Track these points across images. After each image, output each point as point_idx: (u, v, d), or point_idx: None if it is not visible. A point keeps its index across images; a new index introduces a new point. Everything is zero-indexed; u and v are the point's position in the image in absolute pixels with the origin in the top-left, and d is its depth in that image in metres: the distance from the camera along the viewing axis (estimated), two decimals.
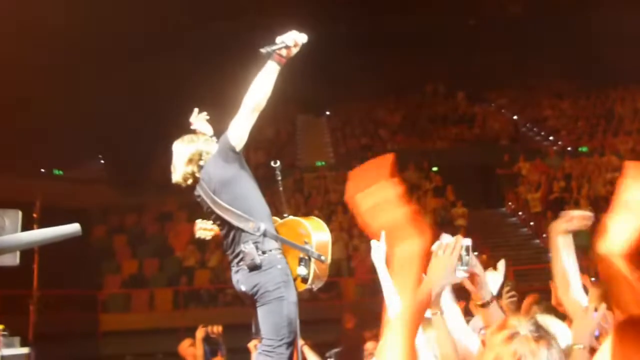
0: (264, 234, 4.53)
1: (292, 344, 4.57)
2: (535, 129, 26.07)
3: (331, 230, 4.91)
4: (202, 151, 4.83)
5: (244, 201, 4.66)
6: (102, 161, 22.58)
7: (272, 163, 5.19)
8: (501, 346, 2.34)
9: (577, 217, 3.82)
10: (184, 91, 18.88)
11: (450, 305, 3.67)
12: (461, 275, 2.83)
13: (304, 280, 4.63)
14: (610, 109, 26.39)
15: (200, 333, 8.59)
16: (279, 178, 5.21)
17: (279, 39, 4.52)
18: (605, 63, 24.59)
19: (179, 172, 4.91)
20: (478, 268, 2.89)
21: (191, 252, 17.25)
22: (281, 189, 5.20)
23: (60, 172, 20.30)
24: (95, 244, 17.44)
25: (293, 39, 4.51)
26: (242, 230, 4.61)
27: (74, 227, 3.09)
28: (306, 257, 4.63)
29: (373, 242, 4.10)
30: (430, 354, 3.88)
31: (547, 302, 5.13)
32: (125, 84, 18.14)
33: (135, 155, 20.01)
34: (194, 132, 5.17)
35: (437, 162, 21.82)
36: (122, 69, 18.28)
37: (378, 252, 4.10)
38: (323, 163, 23.24)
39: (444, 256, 2.76)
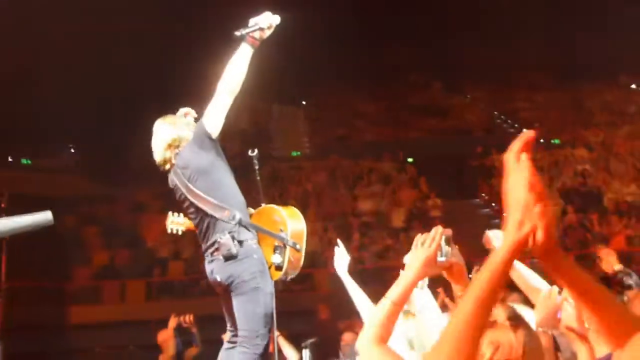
0: (239, 223, 4.46)
1: (267, 335, 4.53)
2: (509, 121, 26.37)
3: (306, 222, 4.87)
4: (182, 137, 4.71)
5: (219, 190, 4.60)
6: (73, 150, 22.29)
7: (249, 152, 5.13)
8: None
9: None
10: (156, 78, 18.69)
11: (427, 304, 3.73)
12: (441, 265, 2.79)
13: (278, 268, 4.59)
14: (581, 102, 26.74)
15: (172, 322, 8.66)
16: (257, 167, 5.17)
17: (252, 21, 4.50)
18: (577, 56, 24.90)
19: (157, 155, 4.81)
20: (458, 258, 2.84)
21: (164, 243, 17.08)
22: (258, 178, 5.17)
23: (29, 162, 20.01)
24: (65, 235, 17.17)
25: (267, 21, 4.49)
26: (217, 219, 4.54)
27: (46, 215, 3.00)
28: (281, 245, 4.60)
29: (336, 250, 4.31)
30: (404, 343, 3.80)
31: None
32: (95, 70, 17.87)
33: (107, 144, 19.78)
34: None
35: (413, 152, 21.94)
36: (93, 55, 18.02)
37: (340, 261, 4.29)
38: (299, 153, 23.20)
39: (423, 248, 2.70)
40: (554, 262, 1.73)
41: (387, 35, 23.87)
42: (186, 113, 4.99)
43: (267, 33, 4.55)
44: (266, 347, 4.54)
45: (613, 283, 3.96)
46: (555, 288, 3.12)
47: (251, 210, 4.87)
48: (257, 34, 4.51)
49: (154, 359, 13.36)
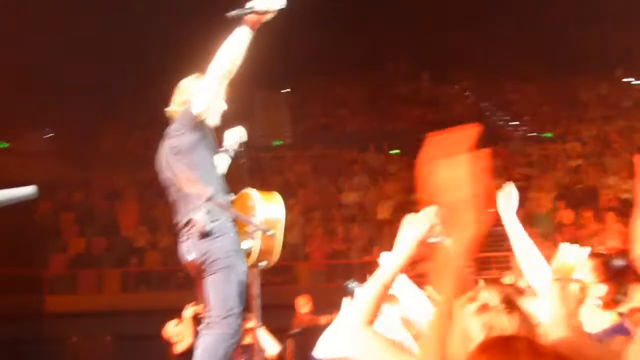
0: (210, 199, 4.49)
1: (241, 314, 4.56)
2: (499, 113, 26.41)
3: (287, 214, 4.91)
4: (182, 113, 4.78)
5: (196, 169, 4.65)
6: (49, 134, 22.29)
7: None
8: (471, 318, 2.38)
9: (509, 191, 3.93)
10: (134, 61, 18.74)
11: (406, 288, 3.91)
12: (432, 246, 2.72)
13: (248, 254, 4.68)
14: (575, 95, 26.91)
15: (189, 312, 8.69)
16: (242, 155, 5.32)
17: (248, 4, 4.41)
18: (571, 48, 25.02)
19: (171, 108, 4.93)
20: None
21: (141, 232, 17.26)
22: (243, 162, 5.32)
23: (6, 145, 20.07)
24: (40, 221, 17.30)
25: (265, 5, 4.39)
26: (190, 196, 4.61)
27: (30, 189, 2.97)
28: (251, 231, 4.69)
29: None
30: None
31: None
32: (72, 54, 17.94)
33: (84, 128, 19.83)
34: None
35: (399, 144, 21.85)
36: (68, 38, 18.03)
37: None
38: (281, 142, 23.25)
39: (414, 227, 2.69)
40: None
41: (373, 23, 23.84)
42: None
43: (268, 16, 4.45)
44: (239, 327, 4.53)
45: (630, 272, 3.96)
46: (577, 246, 3.24)
47: (232, 195, 4.93)
48: (253, 17, 4.40)
49: (130, 349, 13.71)
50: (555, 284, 3.06)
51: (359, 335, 2.55)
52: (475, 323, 2.34)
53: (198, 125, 4.66)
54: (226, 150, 5.23)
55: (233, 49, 4.43)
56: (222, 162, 5.19)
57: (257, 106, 25.07)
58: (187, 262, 4.71)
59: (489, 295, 2.44)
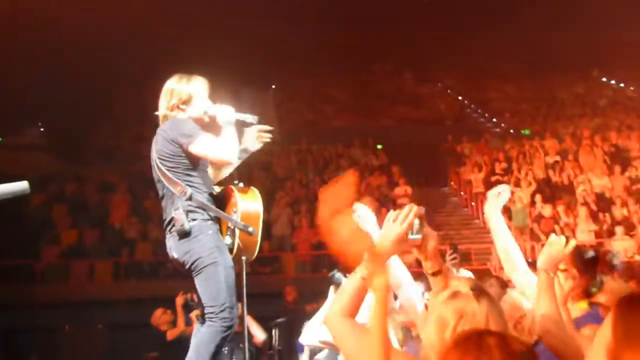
0: (190, 198, 4.50)
1: (235, 306, 4.55)
2: (479, 111, 26.56)
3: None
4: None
5: (179, 167, 4.63)
6: (42, 129, 22.21)
7: None
8: (443, 305, 2.44)
9: (500, 192, 3.88)
10: (124, 58, 18.67)
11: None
12: (412, 243, 2.81)
13: (230, 250, 4.62)
14: (552, 93, 27.07)
15: (180, 300, 8.57)
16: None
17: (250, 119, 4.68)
18: (549, 49, 25.15)
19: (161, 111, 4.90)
20: (431, 236, 2.88)
21: (133, 224, 17.24)
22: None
23: (0, 139, 19.91)
24: (33, 213, 17.23)
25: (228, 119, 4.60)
26: (173, 194, 4.59)
27: (22, 185, 2.99)
28: (232, 227, 4.64)
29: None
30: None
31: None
32: (64, 50, 17.85)
33: (76, 123, 19.75)
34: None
35: (382, 140, 22.01)
36: (63, 35, 17.96)
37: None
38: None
39: (395, 224, 2.70)
40: None
41: (359, 24, 23.85)
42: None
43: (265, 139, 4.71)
44: (234, 319, 4.54)
45: (602, 262, 3.99)
46: (563, 237, 3.22)
47: (217, 189, 4.90)
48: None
49: (122, 337, 13.69)
50: (542, 274, 3.08)
51: (339, 326, 2.57)
52: (448, 310, 2.40)
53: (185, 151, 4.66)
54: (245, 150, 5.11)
55: (229, 146, 4.62)
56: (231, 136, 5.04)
57: (245, 103, 25.04)
58: (173, 259, 4.72)
59: (459, 284, 2.51)
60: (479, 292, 2.49)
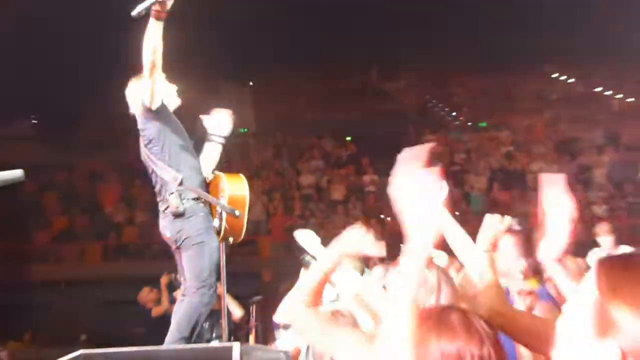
0: (181, 184, 4.56)
1: (214, 285, 4.61)
2: (440, 105, 26.59)
3: (251, 193, 4.91)
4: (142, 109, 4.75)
5: (167, 155, 4.68)
6: (34, 120, 22.04)
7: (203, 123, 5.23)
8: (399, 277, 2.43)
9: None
10: (114, 49, 18.46)
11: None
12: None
13: (217, 232, 4.65)
14: (508, 88, 27.21)
15: (164, 280, 8.69)
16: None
17: None
18: (505, 47, 25.24)
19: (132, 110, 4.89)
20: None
21: (121, 210, 17.23)
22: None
23: None
24: (26, 200, 17.15)
25: None
26: (167, 182, 4.66)
27: (16, 173, 2.95)
28: (219, 211, 4.64)
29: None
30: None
31: None
32: (59, 45, 17.65)
33: (66, 114, 19.60)
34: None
35: (351, 132, 22.05)
36: (51, 26, 17.68)
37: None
38: (245, 130, 23.22)
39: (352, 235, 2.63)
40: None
41: (328, 23, 23.71)
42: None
43: (169, 3, 4.23)
44: (213, 295, 4.62)
45: None
46: (498, 215, 3.17)
47: (209, 175, 4.94)
48: (157, 7, 4.20)
49: (110, 314, 13.74)
50: (485, 255, 3.03)
51: (304, 316, 2.54)
52: None
53: (156, 114, 4.66)
54: (213, 138, 5.13)
55: (150, 43, 4.34)
56: (213, 152, 5.12)
57: (224, 98, 24.92)
58: (166, 238, 4.79)
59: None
60: (430, 263, 2.58)
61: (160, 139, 4.69)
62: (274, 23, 21.94)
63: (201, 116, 5.15)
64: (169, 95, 4.88)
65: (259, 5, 20.11)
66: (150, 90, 4.52)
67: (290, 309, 2.64)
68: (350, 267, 3.92)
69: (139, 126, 4.78)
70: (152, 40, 4.33)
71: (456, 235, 3.60)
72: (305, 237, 3.89)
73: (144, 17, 4.26)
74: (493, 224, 3.14)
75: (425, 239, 1.83)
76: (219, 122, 5.18)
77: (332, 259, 2.61)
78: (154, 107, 4.62)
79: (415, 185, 1.83)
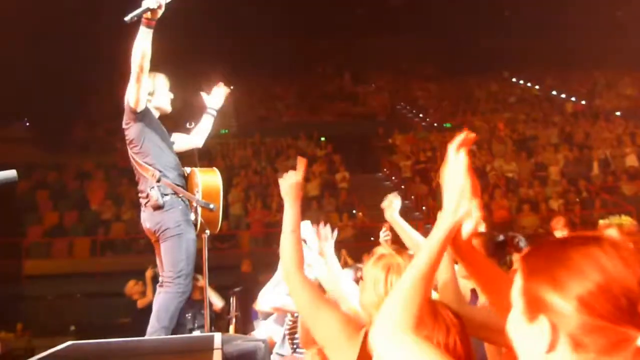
0: (159, 180, 4.51)
1: (189, 275, 4.55)
2: (408, 107, 26.60)
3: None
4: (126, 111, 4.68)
5: (147, 155, 4.64)
6: (27, 123, 21.73)
7: (187, 124, 5.19)
8: (373, 267, 2.47)
9: (391, 201, 3.82)
10: (104, 57, 18.27)
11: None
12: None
13: (194, 225, 4.63)
14: (470, 92, 27.42)
15: (149, 273, 8.48)
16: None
17: (143, 3, 4.18)
18: (466, 53, 25.40)
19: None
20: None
21: (108, 207, 17.06)
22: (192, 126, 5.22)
23: None
24: (19, 198, 16.93)
25: (156, 1, 4.17)
26: (147, 178, 4.63)
27: (10, 173, 2.89)
28: (195, 205, 4.63)
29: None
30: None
31: None
32: (50, 53, 17.42)
33: (57, 118, 19.37)
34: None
35: (325, 133, 21.99)
36: (46, 33, 17.46)
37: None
38: (226, 131, 23.11)
39: (289, 177, 2.73)
40: (466, 250, 1.73)
41: (304, 31, 23.71)
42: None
43: (160, 12, 4.23)
44: (188, 285, 4.56)
45: (510, 245, 3.96)
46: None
47: (187, 170, 4.90)
48: (148, 15, 4.19)
49: (97, 305, 13.61)
50: (444, 256, 2.91)
51: (298, 280, 2.49)
52: (377, 268, 2.45)
53: (139, 115, 4.60)
54: (209, 111, 5.28)
55: (139, 49, 4.30)
56: (206, 123, 5.27)
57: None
58: (146, 229, 4.75)
59: (382, 249, 2.58)
60: (398, 250, 2.55)
61: (141, 139, 4.65)
62: (254, 31, 21.87)
63: (201, 93, 5.32)
64: (163, 101, 4.86)
65: (239, 14, 20.05)
66: (136, 93, 4.47)
67: (286, 273, 2.56)
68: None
69: (123, 125, 4.72)
70: (142, 46, 4.29)
71: (411, 236, 3.72)
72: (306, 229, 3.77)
73: (135, 23, 4.24)
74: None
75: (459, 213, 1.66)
76: (216, 97, 5.35)
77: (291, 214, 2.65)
78: (138, 110, 4.57)
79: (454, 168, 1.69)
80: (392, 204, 3.81)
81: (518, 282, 1.36)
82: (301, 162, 2.81)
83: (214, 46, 18.52)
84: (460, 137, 1.69)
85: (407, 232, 3.74)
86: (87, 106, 20.99)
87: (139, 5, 4.19)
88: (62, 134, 19.45)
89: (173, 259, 4.56)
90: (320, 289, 3.02)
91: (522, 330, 1.34)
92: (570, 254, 1.29)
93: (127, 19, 4.14)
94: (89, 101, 20.61)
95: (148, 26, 4.25)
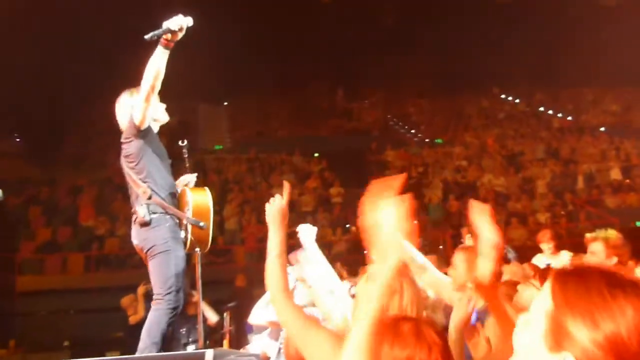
0: (150, 198, 4.48)
1: (179, 291, 4.51)
2: (400, 123, 26.65)
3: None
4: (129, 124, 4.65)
5: (142, 172, 4.59)
6: (18, 139, 21.46)
7: (179, 142, 5.13)
8: (365, 287, 2.39)
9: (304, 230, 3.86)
10: (98, 75, 18.14)
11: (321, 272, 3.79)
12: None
13: (184, 243, 4.62)
14: (461, 108, 27.45)
15: (141, 289, 8.44)
16: (186, 156, 5.17)
17: (164, 24, 4.19)
18: (458, 70, 25.49)
19: (123, 124, 4.73)
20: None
21: (102, 222, 16.80)
22: (187, 165, 5.17)
23: None
24: (11, 213, 16.65)
25: (178, 24, 4.17)
26: (139, 194, 4.59)
27: None
28: (185, 223, 4.62)
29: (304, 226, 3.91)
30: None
31: None
32: (38, 64, 17.25)
33: (49, 133, 19.19)
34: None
35: (319, 148, 21.96)
36: (36, 49, 17.29)
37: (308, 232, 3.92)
38: (221, 147, 23.00)
39: (273, 204, 2.77)
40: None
41: (299, 48, 23.73)
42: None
43: (180, 35, 4.22)
44: (178, 301, 4.51)
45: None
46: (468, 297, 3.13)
47: (178, 190, 4.88)
48: (168, 36, 4.19)
49: (91, 321, 13.36)
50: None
51: (284, 304, 2.50)
52: (370, 289, 2.33)
53: (142, 133, 4.57)
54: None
55: (155, 68, 4.28)
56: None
57: (201, 116, 24.74)
58: (135, 246, 4.71)
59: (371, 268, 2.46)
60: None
61: (139, 156, 4.60)
62: (249, 50, 21.86)
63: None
64: (159, 113, 4.80)
65: (234, 31, 20.02)
66: (143, 111, 4.45)
67: (272, 298, 2.56)
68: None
69: (122, 139, 4.67)
70: (157, 66, 4.27)
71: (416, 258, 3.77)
72: (306, 231, 3.84)
73: (153, 42, 4.22)
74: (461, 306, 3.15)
75: (391, 263, 1.77)
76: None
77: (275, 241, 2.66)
78: (142, 127, 4.54)
79: (386, 214, 1.78)
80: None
81: (546, 304, 1.34)
82: (286, 187, 2.81)
83: (207, 62, 18.37)
84: (387, 184, 1.73)
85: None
86: (80, 121, 20.80)
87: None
88: (54, 149, 19.27)
89: (162, 275, 4.50)
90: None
91: (539, 353, 1.32)
92: (620, 302, 1.26)
93: (147, 37, 4.14)
94: (82, 116, 20.41)
95: (166, 47, 4.23)
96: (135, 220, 4.63)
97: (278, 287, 2.53)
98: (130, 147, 4.61)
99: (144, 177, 4.60)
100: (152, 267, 4.55)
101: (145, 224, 4.53)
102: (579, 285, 1.32)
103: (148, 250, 4.55)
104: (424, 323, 2.03)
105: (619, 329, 1.22)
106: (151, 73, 4.29)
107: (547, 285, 1.39)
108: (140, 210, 4.52)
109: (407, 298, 2.55)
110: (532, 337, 1.34)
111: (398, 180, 1.79)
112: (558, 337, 1.27)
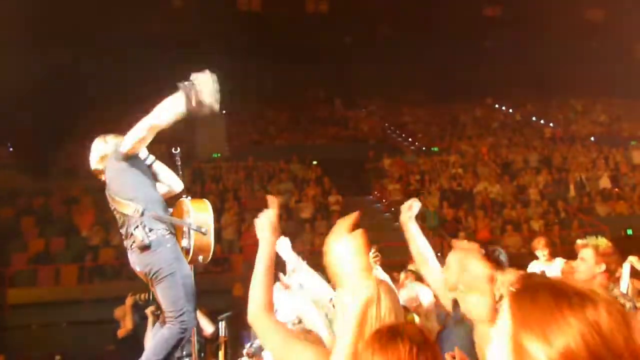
0: (142, 214, 4.17)
1: (193, 311, 4.27)
2: (397, 132, 26.69)
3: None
4: (111, 154, 4.41)
5: (128, 190, 4.30)
6: (10, 149, 20.86)
7: (172, 150, 4.77)
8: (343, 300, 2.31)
9: (411, 205, 3.87)
10: (90, 84, 17.80)
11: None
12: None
13: (187, 252, 4.30)
14: (456, 117, 27.39)
15: (129, 301, 8.14)
16: (179, 163, 4.83)
17: (193, 75, 3.88)
18: (453, 81, 25.64)
19: (92, 166, 4.58)
20: None
21: (96, 232, 16.11)
22: (180, 172, 4.84)
23: None
24: (3, 225, 15.97)
25: (202, 82, 3.87)
26: (128, 216, 4.26)
27: None
28: (187, 230, 4.30)
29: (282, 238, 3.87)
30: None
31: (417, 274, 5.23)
32: (31, 73, 16.75)
33: (42, 142, 18.69)
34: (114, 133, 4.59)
35: (317, 156, 21.76)
36: (30, 58, 16.85)
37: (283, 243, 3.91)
38: (219, 155, 22.63)
39: (266, 215, 2.60)
40: None
41: (296, 57, 23.80)
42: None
43: (205, 111, 3.92)
44: (190, 322, 4.27)
45: (491, 260, 3.69)
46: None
47: (170, 209, 4.58)
48: (194, 101, 3.84)
49: (84, 333, 12.76)
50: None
51: (265, 322, 2.35)
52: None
53: (124, 156, 4.27)
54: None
55: (167, 113, 3.93)
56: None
57: (199, 125, 24.36)
58: (137, 272, 4.38)
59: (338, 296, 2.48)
60: (380, 279, 2.62)
61: (120, 177, 4.33)
62: (247, 60, 21.74)
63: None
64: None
65: (232, 40, 19.88)
66: (137, 141, 4.12)
67: (252, 317, 2.39)
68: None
69: (104, 177, 4.45)
70: (171, 114, 3.93)
71: (418, 245, 3.86)
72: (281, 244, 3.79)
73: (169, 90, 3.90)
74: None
75: (360, 295, 1.81)
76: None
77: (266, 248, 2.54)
78: (129, 154, 4.24)
79: (347, 249, 1.87)
80: (411, 208, 3.85)
81: (507, 324, 1.34)
82: (273, 201, 2.68)
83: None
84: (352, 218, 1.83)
85: (416, 240, 3.80)
86: (74, 130, 20.28)
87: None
88: (47, 159, 18.81)
89: (172, 297, 4.25)
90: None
91: None
92: (565, 315, 1.27)
93: (181, 84, 3.84)
94: (75, 125, 19.88)
95: (185, 107, 3.87)
96: (132, 246, 4.27)
97: (261, 303, 2.39)
98: (109, 172, 4.37)
99: (130, 193, 4.28)
100: (160, 291, 4.26)
101: (145, 248, 4.19)
102: (530, 303, 1.33)
103: (153, 275, 4.23)
104: (403, 325, 2.03)
105: (568, 342, 1.23)
106: (162, 114, 3.95)
107: (505, 305, 1.40)
108: (138, 234, 4.18)
109: (384, 306, 2.46)
110: (500, 358, 1.35)
111: (352, 218, 1.86)
112: (520, 357, 1.28)
